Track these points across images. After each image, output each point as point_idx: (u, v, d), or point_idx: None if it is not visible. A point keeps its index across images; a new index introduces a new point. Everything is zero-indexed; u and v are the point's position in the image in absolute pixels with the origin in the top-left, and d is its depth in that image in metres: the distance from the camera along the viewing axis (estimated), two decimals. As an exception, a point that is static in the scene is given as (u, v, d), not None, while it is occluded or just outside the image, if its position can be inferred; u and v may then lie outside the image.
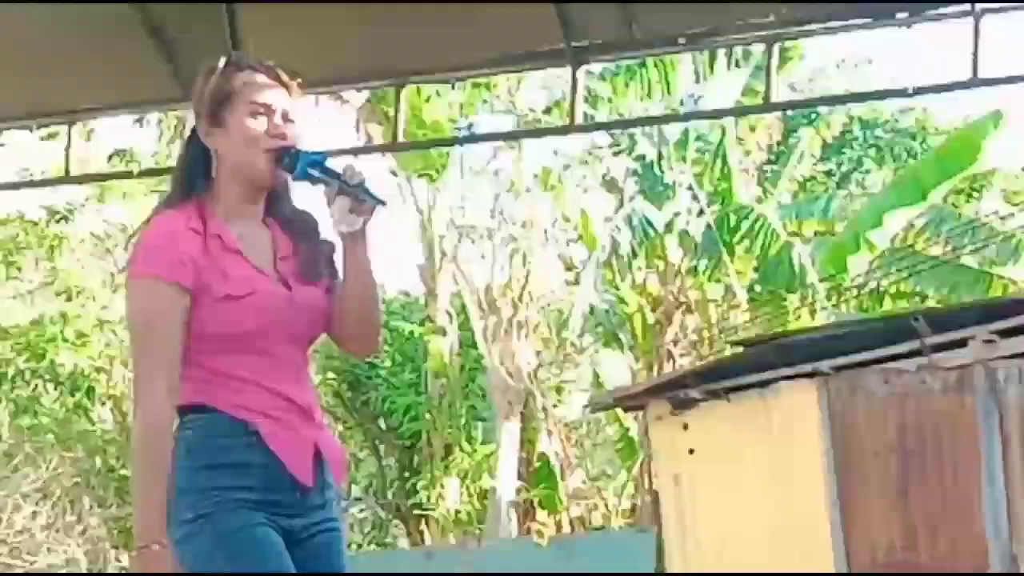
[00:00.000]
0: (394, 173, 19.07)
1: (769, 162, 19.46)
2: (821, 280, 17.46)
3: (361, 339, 3.54)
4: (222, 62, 3.48)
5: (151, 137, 18.95)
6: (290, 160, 3.41)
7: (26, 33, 8.01)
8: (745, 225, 17.71)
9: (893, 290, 18.28)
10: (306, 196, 3.55)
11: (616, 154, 19.04)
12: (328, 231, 3.48)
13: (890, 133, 24.01)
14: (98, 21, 7.87)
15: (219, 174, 3.45)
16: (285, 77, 3.49)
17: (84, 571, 15.91)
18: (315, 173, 3.39)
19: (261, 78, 3.47)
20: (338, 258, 3.45)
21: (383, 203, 3.42)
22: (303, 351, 3.46)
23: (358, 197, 3.36)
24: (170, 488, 3.28)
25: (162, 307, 3.33)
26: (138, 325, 3.36)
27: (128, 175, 15.47)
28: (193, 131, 3.51)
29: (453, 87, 16.57)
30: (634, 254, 18.08)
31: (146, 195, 17.79)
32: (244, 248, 3.43)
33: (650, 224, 18.05)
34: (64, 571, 15.55)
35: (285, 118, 3.46)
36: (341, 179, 3.37)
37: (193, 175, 3.46)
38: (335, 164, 3.42)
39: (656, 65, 17.38)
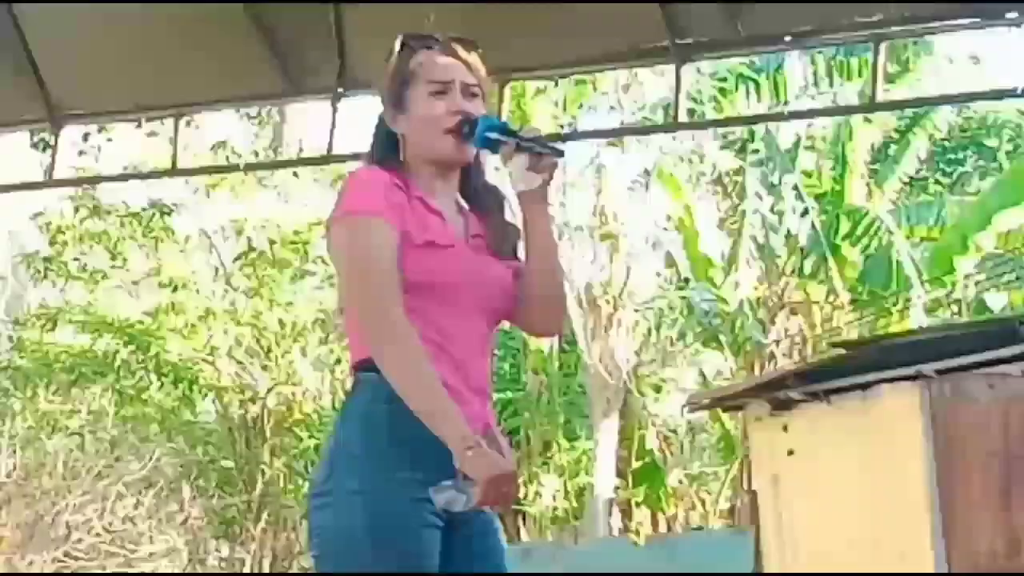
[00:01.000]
0: (496, 169, 19.09)
1: (877, 162, 19.27)
2: (925, 282, 17.28)
3: (546, 313, 3.43)
4: (398, 44, 3.41)
5: (251, 132, 19.14)
6: (469, 129, 3.34)
7: (135, 29, 8.12)
8: (853, 226, 17.57)
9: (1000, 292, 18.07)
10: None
11: (722, 148, 18.96)
12: (510, 198, 3.43)
13: (1000, 134, 23.73)
14: (206, 17, 7.96)
15: (408, 157, 3.38)
16: (463, 51, 3.41)
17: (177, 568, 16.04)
18: (492, 136, 3.33)
19: (438, 55, 3.39)
20: (521, 238, 3.38)
21: (561, 153, 3.37)
22: (491, 326, 3.36)
23: (535, 151, 3.31)
24: (338, 448, 3.20)
25: (381, 242, 3.20)
26: (359, 260, 3.21)
27: (234, 168, 15.65)
28: (380, 117, 3.44)
29: (556, 83, 16.57)
30: (738, 254, 18.01)
31: (251, 190, 17.97)
32: (445, 215, 3.34)
33: (758, 224, 17.98)
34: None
35: (466, 93, 3.37)
36: (516, 135, 3.32)
37: (387, 154, 3.39)
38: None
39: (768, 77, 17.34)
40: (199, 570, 16.82)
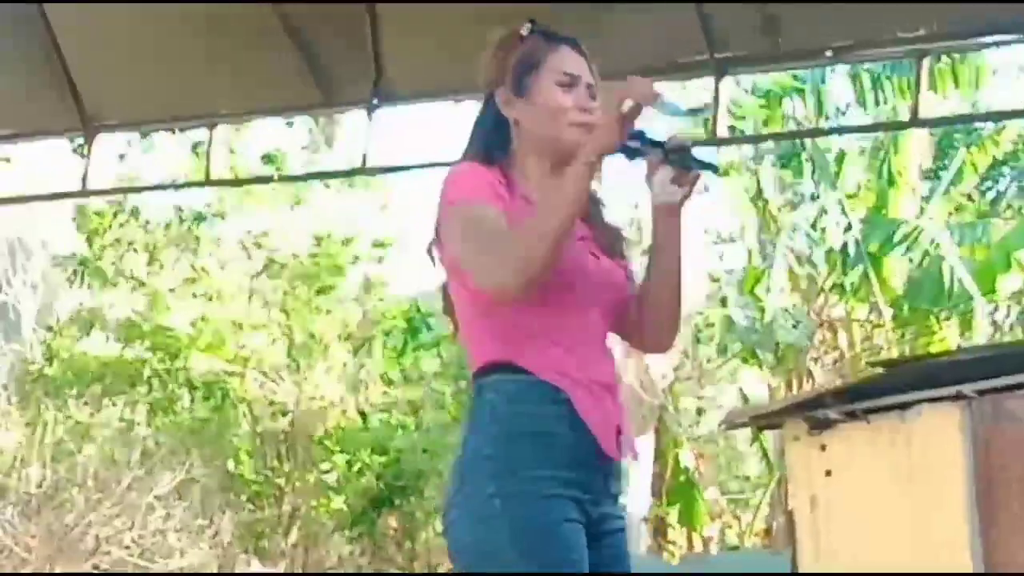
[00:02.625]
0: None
1: (925, 178, 19.11)
2: (969, 300, 17.10)
3: (662, 329, 3.36)
4: (526, 29, 3.34)
5: (301, 140, 19.11)
6: (638, 147, 3.22)
7: (170, 38, 8.09)
8: (896, 242, 17.43)
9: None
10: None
11: (761, 162, 18.87)
12: (645, 204, 3.33)
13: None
14: (241, 27, 7.93)
15: (519, 145, 3.28)
16: (584, 51, 3.36)
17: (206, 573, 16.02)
18: (634, 145, 3.19)
19: (567, 49, 3.34)
20: (630, 241, 3.32)
21: (715, 168, 3.27)
22: (607, 320, 3.25)
23: (683, 164, 3.18)
24: (468, 455, 3.10)
25: (492, 216, 3.09)
26: (473, 238, 3.10)
27: (267, 180, 15.60)
28: (489, 100, 3.33)
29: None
30: (779, 270, 17.90)
31: (292, 202, 17.97)
32: None
33: (799, 239, 17.89)
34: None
35: (590, 92, 3.30)
36: (664, 147, 3.20)
37: (492, 145, 3.28)
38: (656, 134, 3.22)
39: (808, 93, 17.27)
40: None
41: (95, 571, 15.18)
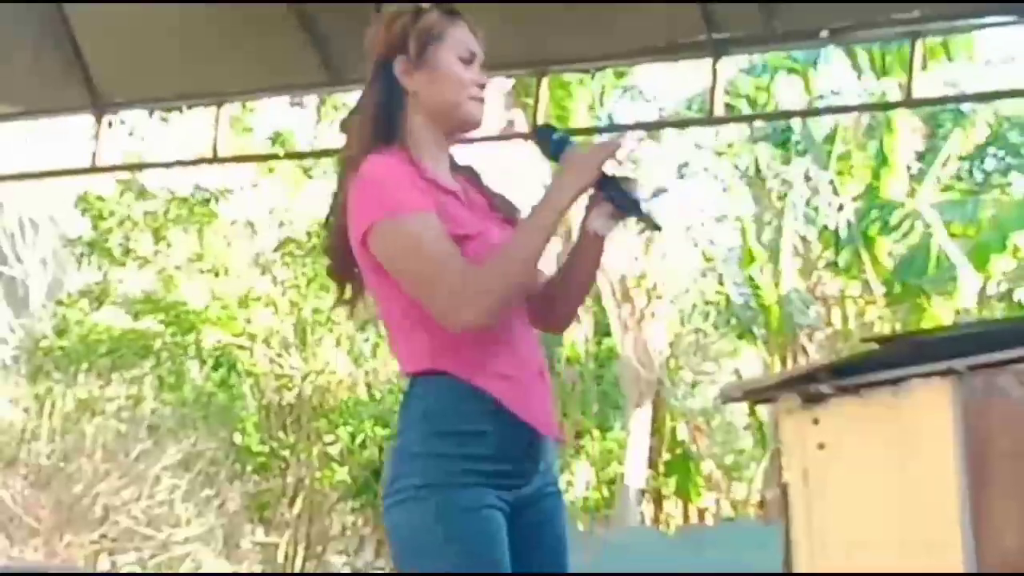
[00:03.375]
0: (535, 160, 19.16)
1: (915, 160, 19.23)
2: (960, 279, 17.25)
3: (564, 320, 3.47)
4: (427, 4, 3.36)
5: (309, 121, 19.19)
6: (555, 144, 3.30)
7: (178, 18, 8.22)
8: (889, 221, 17.56)
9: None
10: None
11: (756, 141, 18.97)
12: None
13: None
14: (248, 7, 8.06)
15: (414, 119, 3.30)
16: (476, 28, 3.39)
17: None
18: (607, 193, 3.26)
19: (464, 25, 3.35)
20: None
21: (657, 227, 3.37)
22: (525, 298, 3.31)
23: (628, 212, 3.24)
24: (402, 450, 3.21)
25: (432, 234, 3.13)
26: (413, 261, 3.14)
27: (273, 157, 15.73)
28: (379, 74, 3.32)
29: (593, 76, 16.62)
30: (773, 248, 18.04)
31: (300, 179, 18.07)
32: (457, 191, 3.29)
33: (795, 218, 18.01)
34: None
35: (481, 67, 3.34)
36: (619, 186, 3.25)
37: (390, 119, 3.29)
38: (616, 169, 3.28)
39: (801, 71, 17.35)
40: (235, 552, 16.93)
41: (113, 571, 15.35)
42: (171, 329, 17.53)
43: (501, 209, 3.37)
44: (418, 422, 3.20)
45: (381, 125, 3.30)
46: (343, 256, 3.32)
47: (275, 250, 17.95)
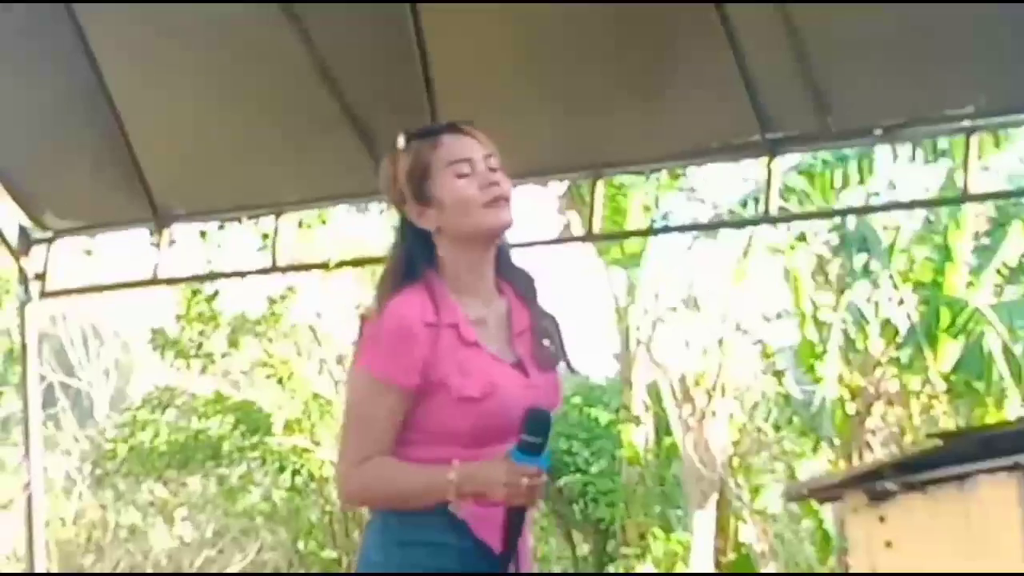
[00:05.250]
0: (590, 261, 19.18)
1: (975, 252, 19.07)
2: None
3: None
4: (401, 141, 3.36)
5: (377, 224, 19.25)
6: (525, 447, 3.19)
7: (235, 129, 8.33)
8: (951, 318, 17.41)
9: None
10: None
11: (813, 238, 18.88)
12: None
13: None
14: (305, 118, 8.15)
15: (444, 252, 3.29)
16: (468, 128, 3.39)
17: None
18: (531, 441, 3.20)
19: (449, 138, 3.35)
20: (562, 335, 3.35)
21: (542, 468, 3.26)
22: None
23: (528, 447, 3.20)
24: (363, 559, 3.25)
25: (383, 412, 3.19)
26: (356, 418, 3.24)
27: (323, 266, 15.73)
28: (402, 221, 3.36)
29: (647, 178, 16.64)
30: (833, 345, 17.91)
31: (368, 283, 18.13)
32: (480, 335, 3.26)
33: (856, 314, 17.89)
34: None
35: (488, 164, 3.33)
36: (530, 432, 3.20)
37: (415, 261, 3.29)
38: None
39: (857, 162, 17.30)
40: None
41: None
42: (238, 431, 17.55)
43: (545, 357, 3.33)
44: (378, 533, 3.24)
45: (401, 272, 3.32)
46: None
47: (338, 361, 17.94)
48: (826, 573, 17.57)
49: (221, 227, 12.38)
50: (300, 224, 14.43)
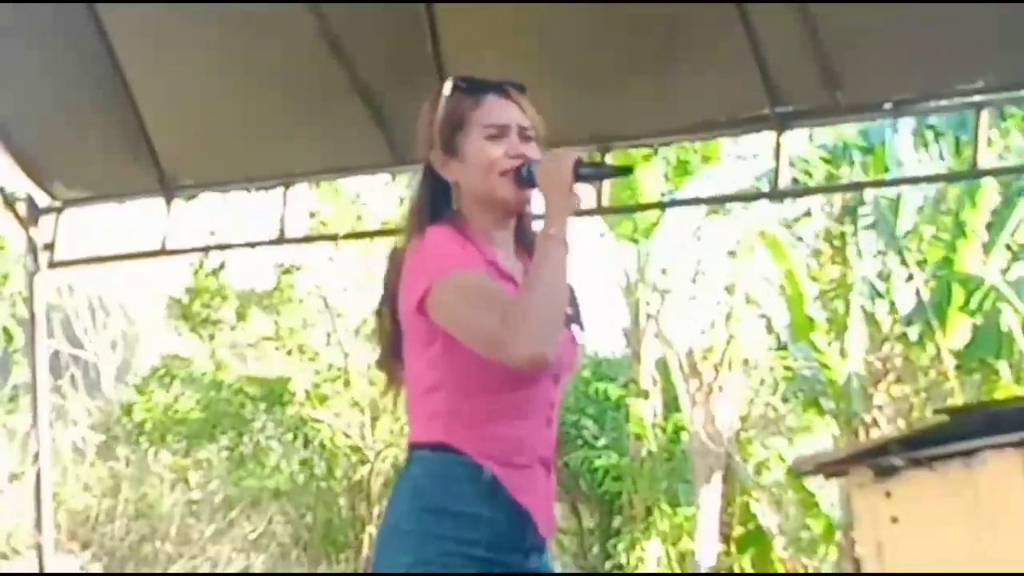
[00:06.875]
0: (601, 235, 19.18)
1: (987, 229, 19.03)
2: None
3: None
4: (448, 87, 3.34)
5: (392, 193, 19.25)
6: (528, 175, 3.28)
7: (244, 101, 8.33)
8: (963, 293, 17.38)
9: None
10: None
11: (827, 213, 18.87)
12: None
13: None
14: (313, 89, 8.14)
15: (462, 206, 3.28)
16: (515, 94, 3.37)
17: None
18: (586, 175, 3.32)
19: (493, 98, 3.33)
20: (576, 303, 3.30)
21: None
22: (558, 390, 3.28)
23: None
24: (393, 527, 3.16)
25: (487, 283, 3.12)
26: (473, 306, 3.10)
27: (332, 238, 15.76)
28: (426, 168, 3.34)
29: (656, 152, 16.61)
30: (840, 320, 17.91)
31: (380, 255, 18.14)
32: (515, 277, 3.25)
33: (865, 290, 17.89)
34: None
35: (522, 136, 3.32)
36: (589, 169, 3.30)
37: (436, 209, 3.28)
38: None
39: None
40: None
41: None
42: (250, 402, 17.57)
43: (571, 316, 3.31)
44: (409, 499, 3.16)
45: (428, 207, 3.30)
46: (395, 342, 3.30)
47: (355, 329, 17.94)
48: (826, 573, 17.62)
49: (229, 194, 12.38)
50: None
